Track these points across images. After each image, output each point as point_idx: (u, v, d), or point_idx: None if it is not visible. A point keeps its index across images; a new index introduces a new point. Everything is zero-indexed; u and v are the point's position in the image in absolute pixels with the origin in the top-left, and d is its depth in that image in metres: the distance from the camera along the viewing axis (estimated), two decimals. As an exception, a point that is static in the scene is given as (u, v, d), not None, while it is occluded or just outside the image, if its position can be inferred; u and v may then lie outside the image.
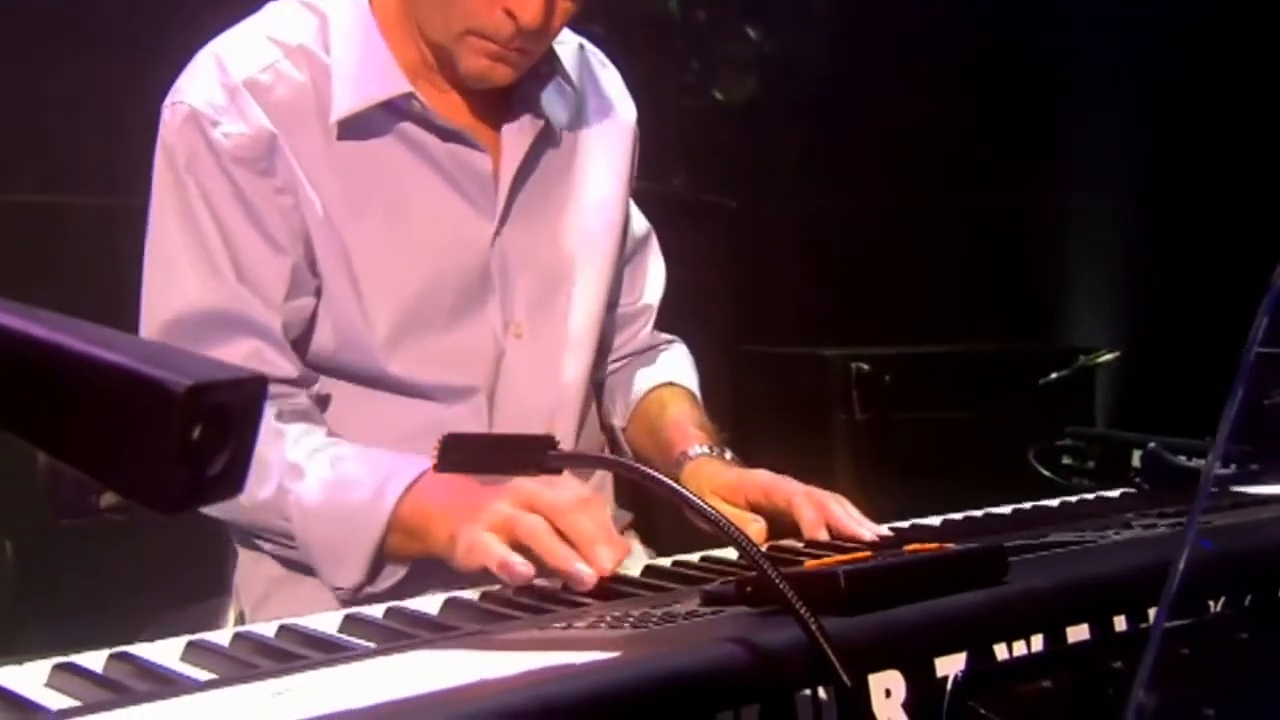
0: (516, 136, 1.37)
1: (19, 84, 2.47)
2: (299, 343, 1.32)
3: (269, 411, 1.26)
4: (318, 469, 1.22)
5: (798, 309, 3.37)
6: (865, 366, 3.03)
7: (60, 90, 2.50)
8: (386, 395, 1.33)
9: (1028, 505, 1.35)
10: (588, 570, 1.00)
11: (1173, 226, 3.35)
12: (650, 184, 2.75)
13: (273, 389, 1.28)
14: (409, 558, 1.20)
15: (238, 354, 1.26)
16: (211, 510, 1.28)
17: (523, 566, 1.01)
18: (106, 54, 2.49)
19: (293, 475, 1.22)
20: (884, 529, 1.22)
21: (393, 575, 1.21)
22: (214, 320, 1.27)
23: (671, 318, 1.69)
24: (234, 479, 0.54)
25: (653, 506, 1.60)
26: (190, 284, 1.28)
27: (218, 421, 0.52)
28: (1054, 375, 3.09)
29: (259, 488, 1.22)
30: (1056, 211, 3.60)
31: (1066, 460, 2.07)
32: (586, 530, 1.02)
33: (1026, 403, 3.07)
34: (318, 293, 1.31)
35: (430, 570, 1.17)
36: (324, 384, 1.34)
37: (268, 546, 1.29)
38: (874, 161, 3.36)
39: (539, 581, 1.03)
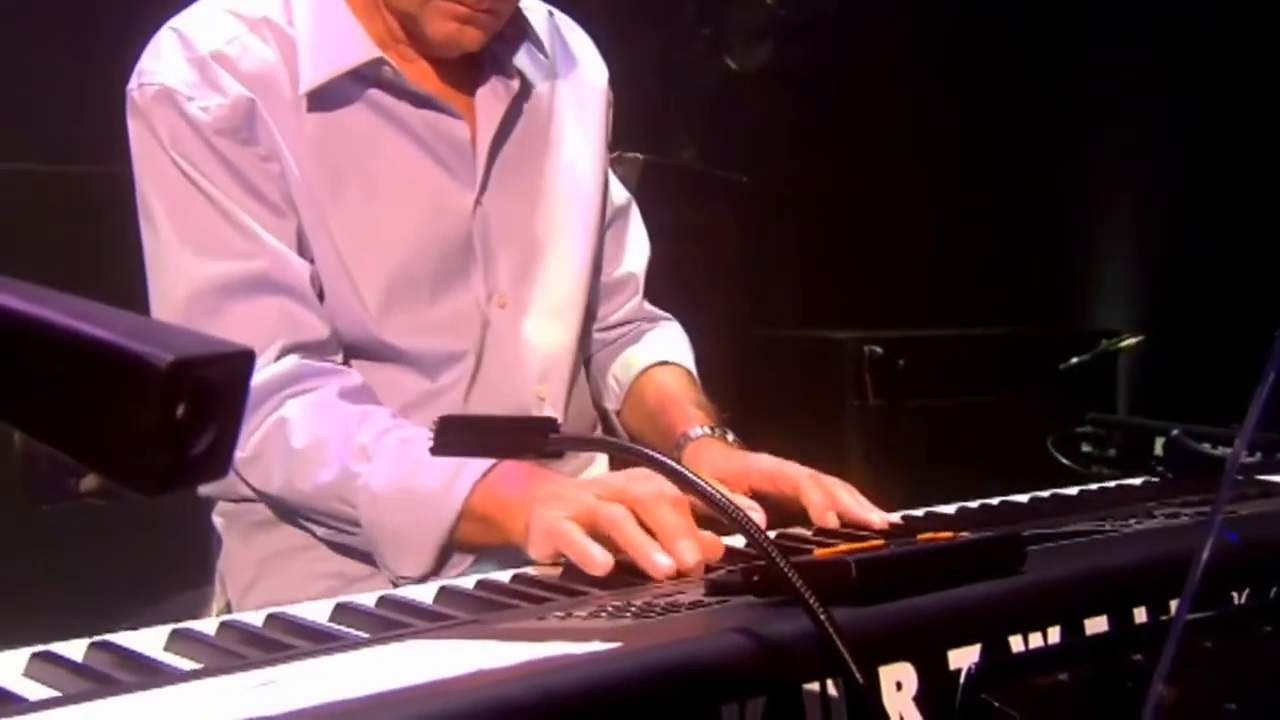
0: (491, 101, 1.38)
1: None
2: None
3: (330, 388, 1.26)
4: (386, 452, 1.21)
5: (809, 290, 3.37)
6: (879, 350, 3.03)
7: (29, 57, 2.49)
8: (378, 365, 1.34)
9: (1046, 494, 1.36)
10: (666, 560, 0.98)
11: (1199, 207, 3.35)
12: (658, 158, 2.76)
13: (319, 362, 1.28)
14: (480, 547, 1.20)
15: (268, 316, 1.26)
16: (265, 490, 1.27)
17: (601, 556, 0.99)
18: (74, 24, 2.48)
19: (359, 458, 1.21)
20: (896, 517, 1.22)
21: (458, 564, 1.21)
22: (239, 282, 1.27)
23: (677, 298, 1.69)
24: (220, 459, 0.54)
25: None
26: (206, 250, 1.28)
27: (203, 399, 0.52)
28: (1075, 360, 3.09)
29: (319, 470, 1.22)
30: (1079, 190, 3.60)
31: (1087, 448, 2.07)
32: (670, 523, 1.01)
33: (1046, 388, 3.07)
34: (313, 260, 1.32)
35: (493, 559, 1.17)
36: None
37: (321, 532, 1.28)
38: (892, 137, 3.35)
39: (535, 571, 1.03)
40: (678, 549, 0.99)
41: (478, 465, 1.16)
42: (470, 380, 1.37)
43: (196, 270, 1.28)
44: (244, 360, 0.56)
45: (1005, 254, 3.47)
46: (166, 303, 1.29)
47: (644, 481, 1.04)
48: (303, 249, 1.31)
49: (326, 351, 1.31)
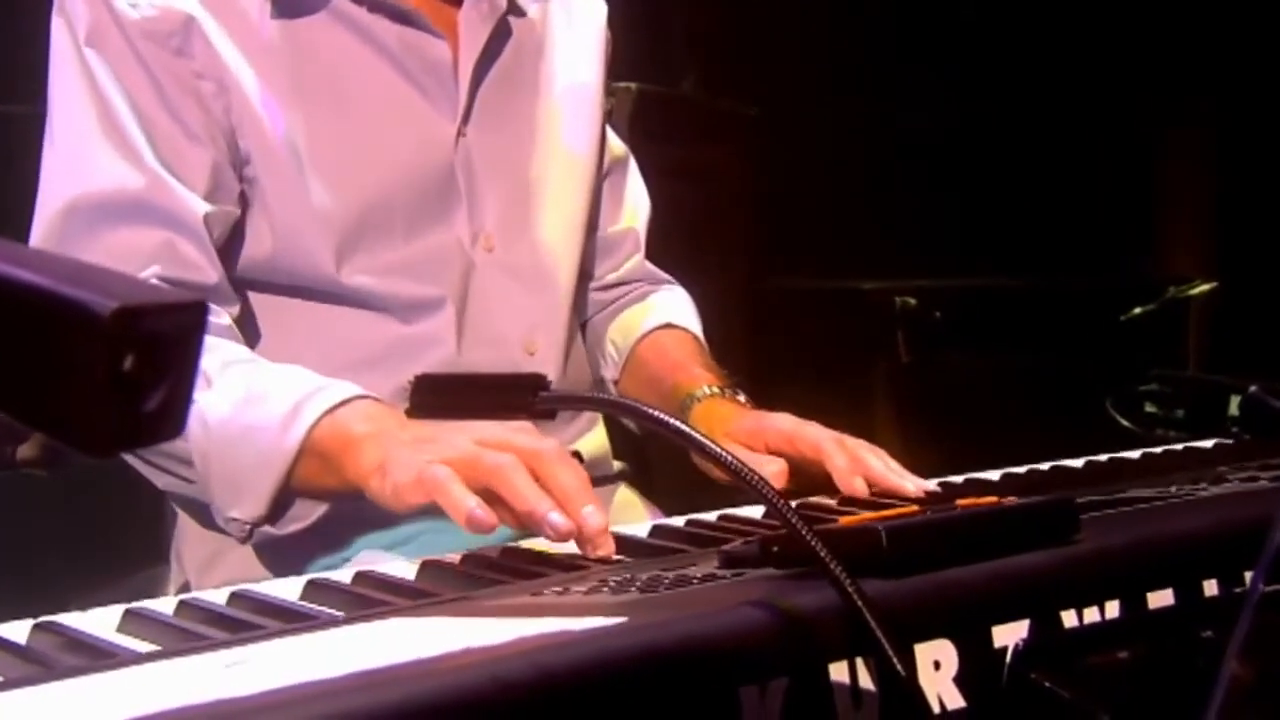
0: (475, 21, 1.39)
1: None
2: (224, 254, 1.33)
3: None
4: (230, 382, 1.21)
5: (830, 235, 3.37)
6: (911, 301, 3.03)
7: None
8: (342, 310, 1.35)
9: (1103, 458, 1.37)
10: (564, 520, 0.96)
11: (1277, 139, 3.34)
12: (655, 87, 2.76)
13: (190, 296, 1.28)
14: (322, 493, 1.20)
15: (146, 245, 1.27)
16: None
17: (484, 513, 0.97)
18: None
19: (198, 384, 1.21)
20: (932, 484, 1.24)
21: (299, 518, 1.22)
22: (121, 204, 1.27)
23: (679, 248, 1.70)
24: (174, 416, 0.55)
25: (650, 457, 1.62)
26: (94, 163, 1.28)
27: (152, 350, 0.53)
28: (1138, 310, 3.10)
29: None
30: (1142, 120, 3.59)
31: (1151, 408, 2.09)
32: (569, 483, 0.99)
33: (1104, 342, 3.08)
34: (242, 200, 1.33)
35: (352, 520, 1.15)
36: (268, 300, 1.36)
37: (161, 481, 1.29)
38: (924, 62, 3.34)
39: (531, 543, 1.05)
40: (581, 513, 0.97)
41: (331, 395, 1.16)
42: (457, 332, 1.38)
43: (80, 179, 1.28)
44: (196, 311, 0.57)
45: (1058, 191, 3.46)
46: (44, 209, 1.30)
47: (534, 435, 1.03)
48: (220, 186, 1.31)
49: (212, 299, 1.30)
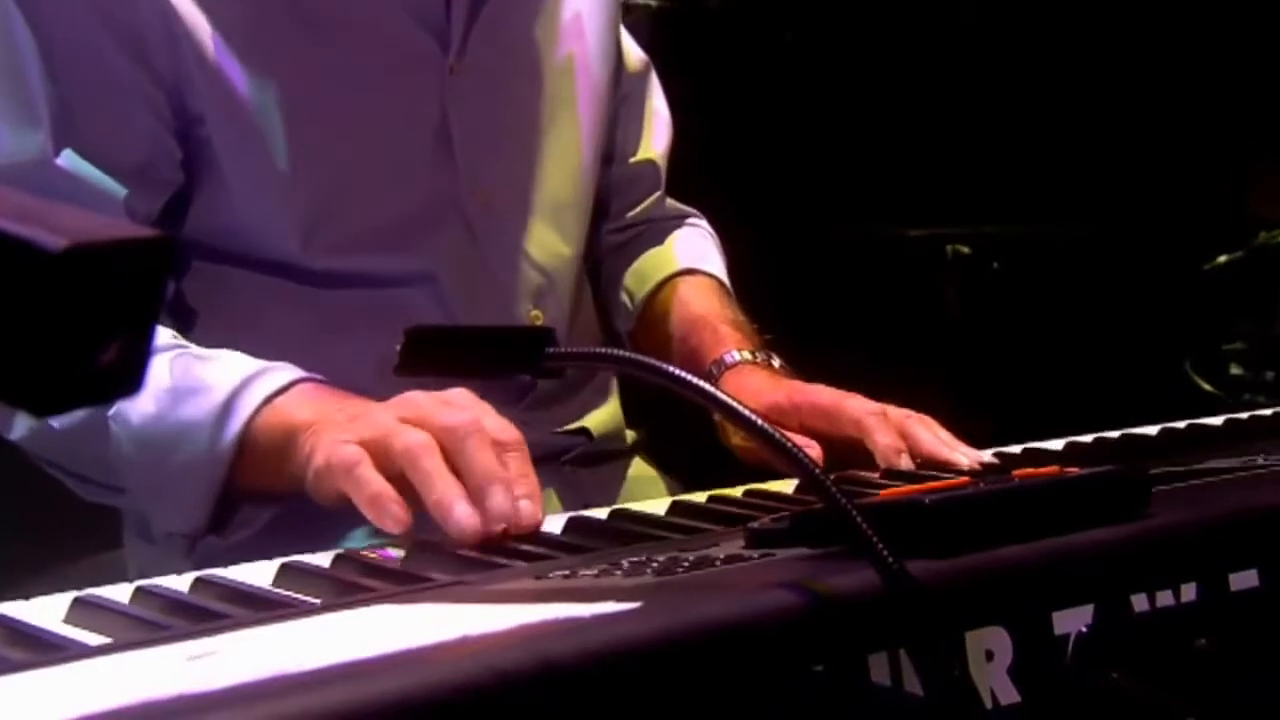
0: None
1: None
2: (164, 224, 1.33)
3: None
4: (154, 374, 1.20)
5: (873, 174, 3.36)
6: (964, 250, 3.03)
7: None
8: (312, 289, 1.35)
9: (1181, 425, 1.37)
10: (467, 517, 0.96)
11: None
12: (672, 4, 2.74)
13: (153, 232, 1.28)
14: (267, 494, 1.19)
15: None
16: (7, 434, 1.28)
17: (397, 507, 0.98)
18: None
19: None
20: (987, 454, 1.24)
21: (247, 523, 1.21)
22: (20, 186, 1.27)
23: (701, 187, 1.70)
24: (132, 371, 0.55)
25: (669, 425, 1.63)
26: None
27: (108, 295, 0.53)
28: (1222, 259, 3.09)
29: None
30: (1228, 40, 3.56)
31: (1237, 370, 2.09)
32: (481, 466, 0.98)
33: (1184, 295, 3.07)
34: (191, 165, 1.32)
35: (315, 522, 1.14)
36: (228, 271, 1.36)
37: (91, 496, 1.29)
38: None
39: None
40: (486, 497, 0.97)
41: (265, 383, 1.16)
42: (450, 304, 1.37)
43: None
44: (159, 249, 0.57)
45: (1130, 124, 3.44)
46: None
47: (460, 407, 1.02)
48: (155, 160, 1.30)
49: None
